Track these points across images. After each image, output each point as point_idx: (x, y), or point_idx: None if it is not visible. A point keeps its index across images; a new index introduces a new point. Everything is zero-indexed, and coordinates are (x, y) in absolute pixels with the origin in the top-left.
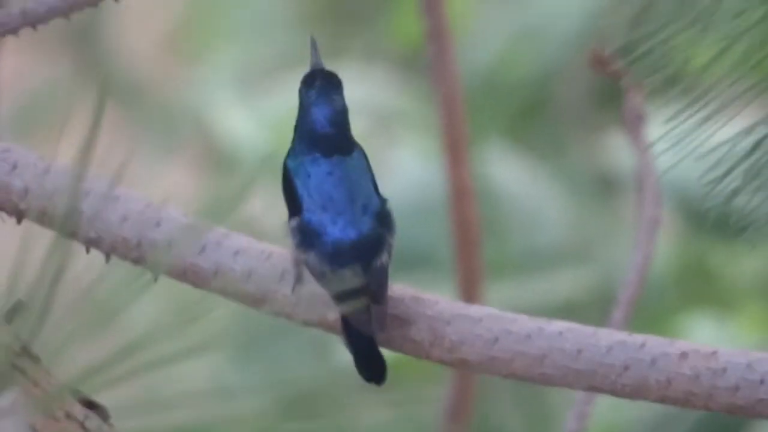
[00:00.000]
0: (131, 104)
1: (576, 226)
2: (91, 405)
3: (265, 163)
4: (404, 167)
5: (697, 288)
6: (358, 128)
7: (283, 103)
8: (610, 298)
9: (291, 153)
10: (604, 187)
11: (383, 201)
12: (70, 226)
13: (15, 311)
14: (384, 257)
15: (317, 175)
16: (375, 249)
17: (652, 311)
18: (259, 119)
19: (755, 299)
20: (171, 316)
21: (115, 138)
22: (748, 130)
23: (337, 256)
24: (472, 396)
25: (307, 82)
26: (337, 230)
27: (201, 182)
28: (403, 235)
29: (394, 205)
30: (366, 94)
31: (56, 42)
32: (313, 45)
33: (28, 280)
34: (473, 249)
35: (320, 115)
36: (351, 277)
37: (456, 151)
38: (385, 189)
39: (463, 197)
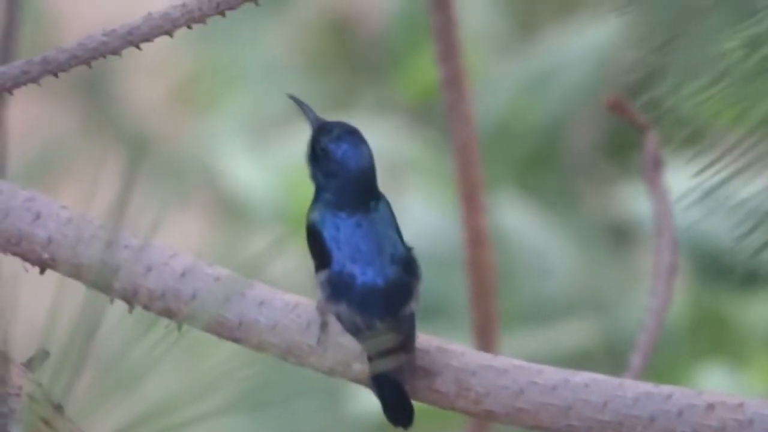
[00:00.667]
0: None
1: (585, 276)
2: None
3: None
4: (416, 216)
5: (710, 338)
6: None
7: (293, 152)
8: (620, 348)
9: (315, 206)
10: (614, 236)
11: (409, 249)
12: (103, 283)
13: (38, 359)
14: (412, 305)
15: (346, 228)
16: (403, 297)
17: (664, 360)
18: (269, 168)
19: (767, 349)
20: (196, 377)
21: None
22: None
23: (367, 306)
24: None
25: (328, 135)
26: (366, 280)
27: (211, 232)
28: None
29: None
30: (378, 143)
31: (66, 92)
32: (299, 102)
33: (60, 334)
34: (489, 296)
35: (351, 168)
36: (385, 336)
37: (472, 196)
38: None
39: (480, 243)
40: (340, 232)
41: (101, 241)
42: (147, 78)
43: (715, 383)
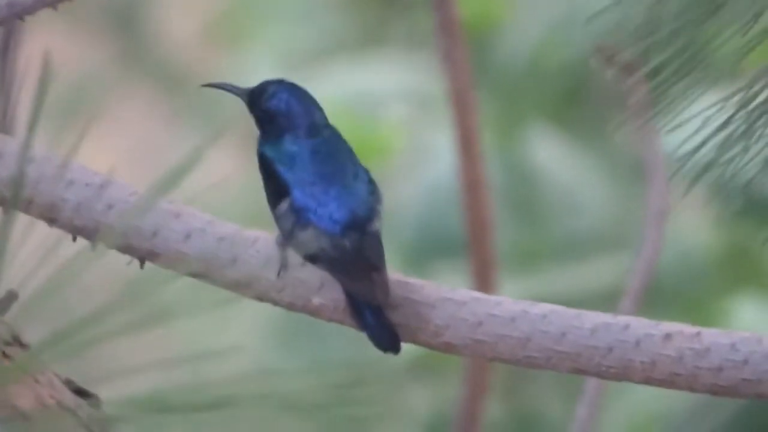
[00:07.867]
0: (174, 89)
1: (617, 211)
2: (83, 393)
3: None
4: (448, 152)
5: (739, 271)
6: (402, 114)
7: (325, 88)
8: (652, 283)
9: (265, 144)
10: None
11: (367, 171)
12: (16, 197)
13: (5, 300)
14: (377, 224)
15: (302, 156)
16: (369, 216)
17: (694, 295)
18: None
19: None
20: (129, 289)
21: (157, 123)
22: (722, 103)
23: (334, 227)
24: (485, 391)
25: (264, 96)
26: (330, 200)
27: (243, 168)
28: (446, 220)
29: (438, 189)
30: (409, 79)
31: (100, 29)
32: (218, 86)
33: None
34: (486, 242)
35: (297, 108)
36: (354, 257)
37: (468, 143)
38: (429, 174)
39: (476, 189)
40: (296, 160)
41: (61, 178)
42: (180, 14)
43: (744, 317)
